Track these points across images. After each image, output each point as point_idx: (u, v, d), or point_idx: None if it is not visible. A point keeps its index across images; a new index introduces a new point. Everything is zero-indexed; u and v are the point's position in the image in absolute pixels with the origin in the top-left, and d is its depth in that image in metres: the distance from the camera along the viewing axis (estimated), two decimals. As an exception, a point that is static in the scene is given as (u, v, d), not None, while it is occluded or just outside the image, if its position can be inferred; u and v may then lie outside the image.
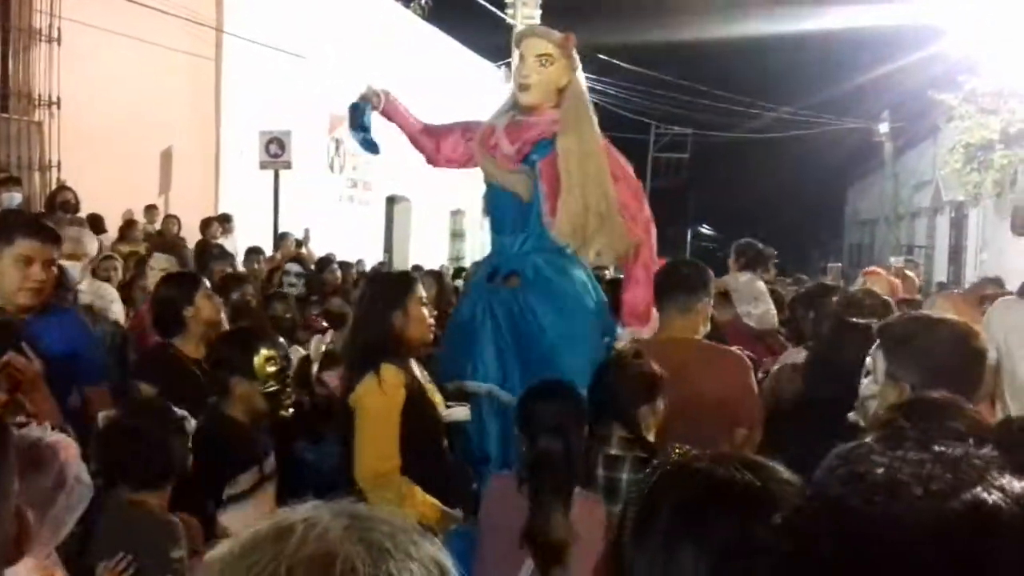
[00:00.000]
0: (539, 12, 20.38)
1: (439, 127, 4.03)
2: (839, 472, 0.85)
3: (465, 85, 18.09)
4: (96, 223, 8.68)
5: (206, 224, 10.29)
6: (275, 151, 11.42)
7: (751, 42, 25.87)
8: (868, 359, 2.32)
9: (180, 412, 2.54)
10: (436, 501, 2.91)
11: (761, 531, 1.02)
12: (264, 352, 2.99)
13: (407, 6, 18.51)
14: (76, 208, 8.60)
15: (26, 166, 9.71)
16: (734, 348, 3.59)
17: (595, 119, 3.75)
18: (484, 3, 18.66)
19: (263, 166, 11.50)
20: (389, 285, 3.22)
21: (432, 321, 3.26)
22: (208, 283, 3.73)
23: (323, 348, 4.55)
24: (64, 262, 4.38)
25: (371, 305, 3.14)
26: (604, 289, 4.05)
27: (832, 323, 3.46)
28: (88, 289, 4.61)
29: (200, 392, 3.06)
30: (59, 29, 9.73)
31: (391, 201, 17.25)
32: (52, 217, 7.59)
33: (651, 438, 2.79)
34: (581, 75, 3.81)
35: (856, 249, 32.21)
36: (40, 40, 9.70)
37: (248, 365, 2.95)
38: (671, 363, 2.91)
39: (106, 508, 2.30)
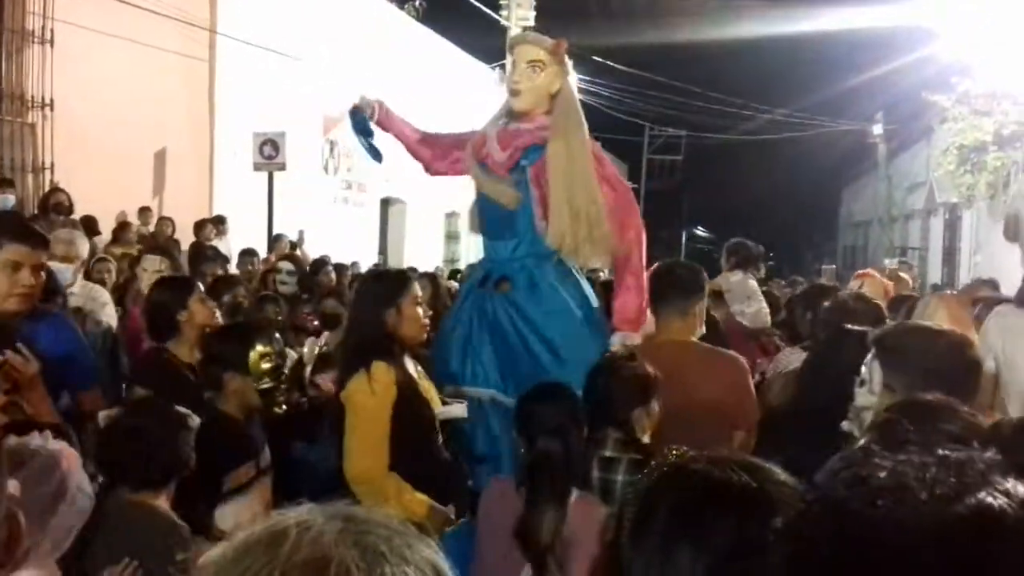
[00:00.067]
0: (533, 14, 20.38)
1: (435, 138, 4.04)
2: (842, 475, 0.84)
3: (459, 87, 18.10)
4: (90, 225, 8.66)
5: (200, 226, 10.27)
6: (269, 152, 11.39)
7: (745, 44, 25.92)
8: (863, 369, 2.32)
9: (183, 410, 2.52)
10: (426, 498, 2.91)
11: (758, 532, 1.02)
12: (260, 348, 2.99)
13: (401, 7, 18.51)
14: (70, 210, 8.58)
15: (19, 168, 9.68)
16: (731, 351, 3.58)
17: (585, 125, 3.77)
18: (478, 5, 18.66)
19: (257, 168, 11.48)
20: (384, 283, 3.22)
21: (427, 321, 3.26)
22: (202, 287, 3.72)
23: (316, 350, 4.53)
24: (56, 264, 4.36)
25: (365, 303, 3.14)
26: (597, 291, 4.05)
27: (827, 330, 3.46)
28: (80, 292, 4.58)
29: (194, 397, 3.05)
30: (52, 31, 9.70)
31: (386, 203, 17.25)
32: (45, 219, 7.58)
33: (646, 440, 2.79)
34: (573, 80, 3.83)
35: (850, 251, 32.29)
36: (33, 42, 9.67)
37: (243, 361, 2.95)
38: (669, 366, 2.91)
39: (106, 510, 2.26)
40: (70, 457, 1.99)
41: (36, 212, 8.60)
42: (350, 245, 13.57)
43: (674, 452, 1.21)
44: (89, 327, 4.19)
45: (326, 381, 4.10)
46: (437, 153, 4.00)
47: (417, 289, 3.20)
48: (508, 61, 3.84)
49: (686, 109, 26.52)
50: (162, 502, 2.39)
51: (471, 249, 17.98)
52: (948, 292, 6.87)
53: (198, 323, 3.39)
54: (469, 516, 3.00)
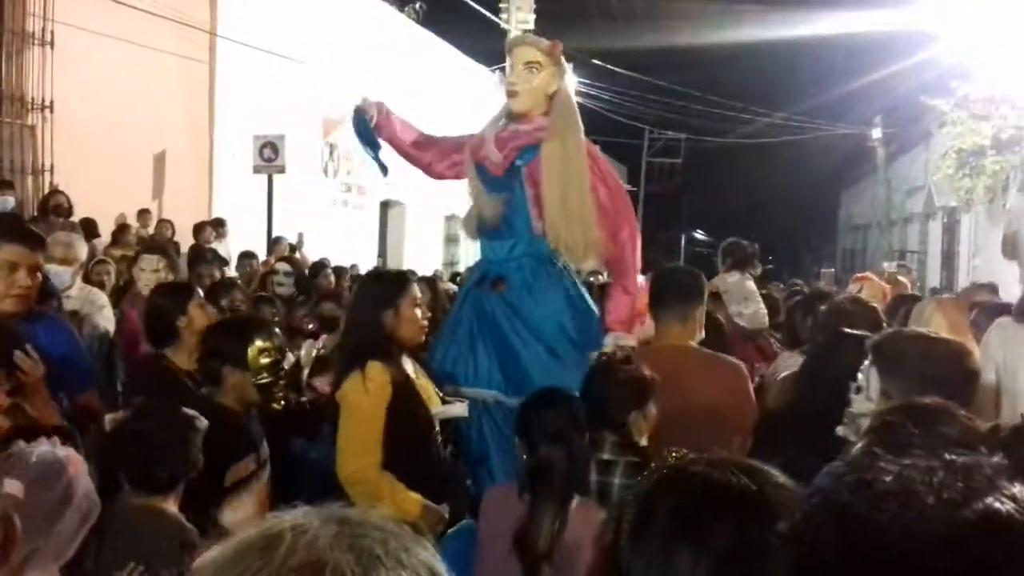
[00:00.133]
0: (533, 17, 20.39)
1: (435, 143, 4.03)
2: (846, 479, 0.84)
3: (459, 89, 18.10)
4: (90, 227, 8.66)
5: (199, 228, 10.26)
6: (269, 155, 11.39)
7: (745, 47, 25.94)
8: (860, 376, 2.33)
9: (190, 412, 2.49)
10: (420, 497, 2.91)
11: (758, 535, 1.02)
12: (259, 343, 2.98)
13: (401, 10, 18.51)
14: (69, 212, 8.57)
15: (19, 170, 9.67)
16: (730, 358, 3.58)
17: (581, 126, 3.78)
18: (478, 8, 18.66)
19: (257, 170, 11.48)
20: (382, 284, 3.22)
21: (425, 323, 3.26)
22: (201, 292, 3.71)
23: (314, 353, 4.52)
24: (55, 267, 4.36)
25: (363, 304, 3.14)
26: (596, 295, 4.04)
27: (825, 333, 3.46)
28: (78, 295, 4.57)
29: (193, 405, 3.03)
30: (52, 32, 9.70)
31: (385, 206, 17.23)
32: (45, 221, 7.58)
33: (643, 443, 2.79)
34: (571, 81, 3.83)
35: (849, 254, 32.29)
36: (33, 43, 9.67)
37: (241, 355, 2.94)
38: (668, 371, 2.91)
39: (113, 514, 2.22)
40: (76, 463, 1.98)
41: (36, 214, 8.59)
42: (349, 248, 13.56)
43: (673, 455, 1.21)
44: (85, 330, 4.19)
45: (323, 384, 4.09)
46: (436, 156, 4.00)
47: (416, 291, 3.20)
48: (507, 64, 3.85)
49: (686, 112, 26.56)
50: (170, 505, 2.36)
51: (471, 252, 17.95)
52: (945, 296, 6.87)
53: (197, 329, 3.35)
54: (471, 518, 3.00)
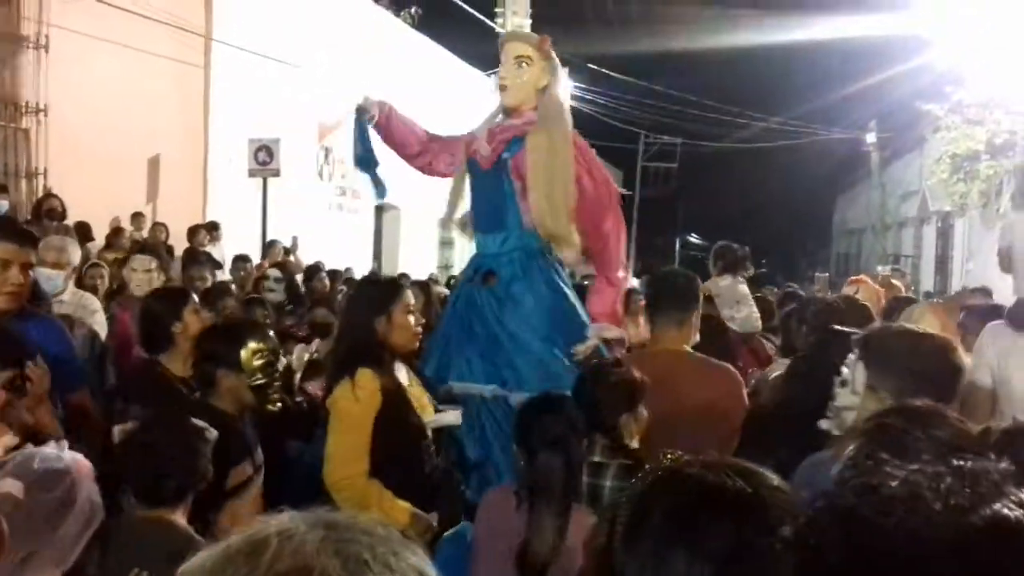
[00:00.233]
0: (529, 22, 20.39)
1: (435, 142, 4.01)
2: (851, 483, 0.83)
3: (455, 93, 18.10)
4: (84, 231, 8.64)
5: (194, 232, 10.25)
6: (263, 159, 11.37)
7: (740, 52, 26.00)
8: (845, 369, 2.33)
9: (200, 423, 2.45)
10: (408, 505, 2.90)
11: (752, 537, 1.02)
12: (252, 345, 2.97)
13: (397, 15, 18.53)
14: (63, 215, 8.56)
15: (13, 173, 9.66)
16: (724, 363, 3.57)
17: (569, 118, 3.77)
18: (473, 12, 18.68)
19: (251, 174, 11.45)
20: (375, 291, 3.21)
21: (419, 330, 3.25)
22: (196, 297, 3.69)
23: (306, 357, 4.51)
24: (47, 271, 4.34)
25: (356, 310, 3.14)
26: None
27: (816, 332, 3.46)
28: (71, 299, 4.54)
29: (188, 411, 3.01)
30: (47, 36, 9.69)
31: (380, 209, 17.21)
32: (38, 225, 7.55)
33: (634, 445, 2.78)
34: (563, 77, 3.83)
35: (843, 258, 32.36)
36: (28, 47, 9.66)
37: (235, 358, 2.93)
38: (664, 375, 2.91)
39: (120, 525, 2.18)
40: (82, 467, 1.95)
41: (29, 218, 8.57)
42: (344, 251, 13.55)
43: (668, 456, 1.21)
44: (76, 332, 4.16)
45: (315, 388, 4.08)
46: (436, 155, 3.96)
47: (409, 297, 3.19)
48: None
49: (681, 117, 26.61)
50: (178, 517, 2.31)
51: (465, 256, 17.95)
52: (936, 301, 6.88)
53: (192, 335, 3.32)
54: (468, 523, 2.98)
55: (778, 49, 24.51)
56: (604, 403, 2.77)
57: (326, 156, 15.07)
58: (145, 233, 10.24)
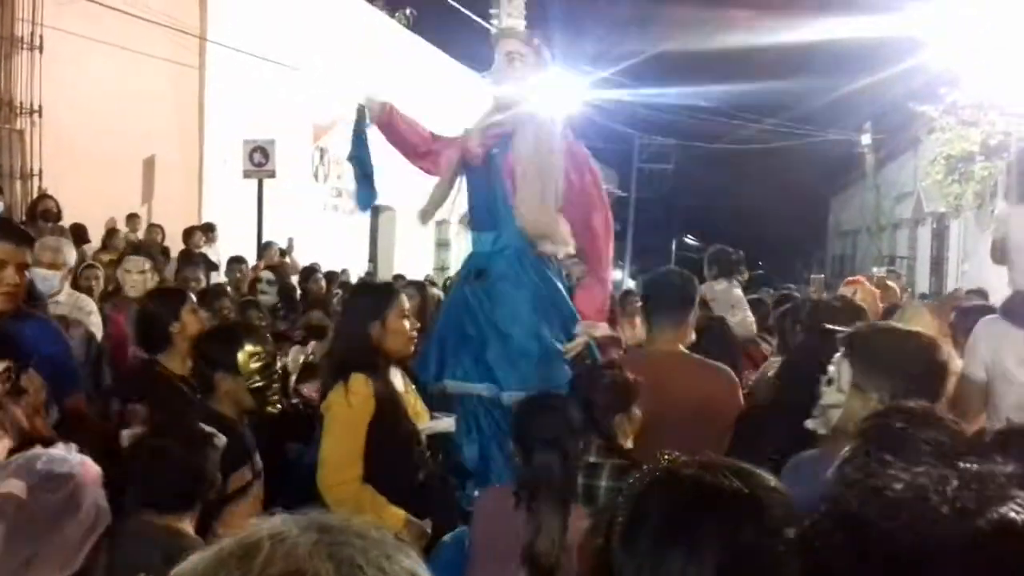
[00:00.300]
0: (524, 23, 20.38)
1: (436, 142, 4.00)
2: (854, 486, 0.83)
3: (450, 94, 18.08)
4: (80, 233, 8.62)
5: (189, 233, 10.24)
6: (259, 160, 11.37)
7: (735, 54, 26.00)
8: (831, 368, 2.33)
9: (209, 429, 2.43)
10: (401, 511, 2.90)
11: (749, 537, 1.02)
12: (249, 348, 2.97)
13: (392, 16, 18.51)
14: (58, 217, 8.54)
15: (7, 175, 9.63)
16: (720, 364, 3.57)
17: (558, 115, 3.77)
18: (469, 13, 18.67)
19: (247, 175, 11.45)
20: (370, 296, 3.20)
21: (414, 334, 3.24)
22: (194, 297, 3.70)
23: (301, 359, 4.51)
24: (43, 271, 4.33)
25: (351, 316, 3.13)
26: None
27: (809, 331, 3.47)
28: (66, 300, 4.53)
29: (188, 409, 3.02)
30: (41, 37, 9.66)
31: (376, 210, 17.19)
32: (33, 226, 7.54)
33: (629, 445, 2.79)
34: (554, 74, 3.83)
35: (839, 260, 32.39)
36: (22, 48, 9.63)
37: (232, 361, 2.94)
38: (660, 375, 2.91)
39: (127, 532, 2.14)
40: (89, 471, 1.93)
41: (24, 219, 8.55)
42: (340, 252, 13.53)
43: (665, 456, 1.21)
44: (72, 333, 4.15)
45: (311, 390, 4.08)
46: (436, 155, 3.96)
47: (404, 302, 3.19)
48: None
49: (677, 117, 26.62)
50: (187, 525, 2.28)
51: (461, 257, 17.92)
52: (929, 302, 6.89)
53: (190, 335, 3.35)
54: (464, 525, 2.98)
55: (773, 51, 24.54)
56: (598, 404, 2.78)
57: (321, 157, 15.05)
58: (141, 234, 10.23)
